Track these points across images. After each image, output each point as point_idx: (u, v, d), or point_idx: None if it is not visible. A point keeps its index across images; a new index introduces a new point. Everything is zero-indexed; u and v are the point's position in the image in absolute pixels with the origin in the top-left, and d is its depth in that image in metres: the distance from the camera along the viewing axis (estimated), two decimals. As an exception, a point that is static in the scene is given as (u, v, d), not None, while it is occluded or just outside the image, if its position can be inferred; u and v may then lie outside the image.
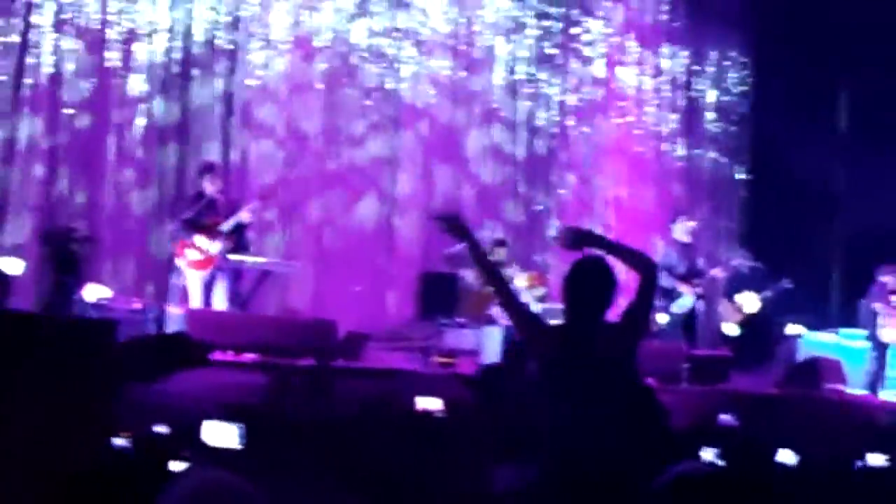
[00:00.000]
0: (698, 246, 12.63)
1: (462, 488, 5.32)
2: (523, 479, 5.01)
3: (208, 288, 10.82)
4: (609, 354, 4.81)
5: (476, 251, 5.13)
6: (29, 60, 12.15)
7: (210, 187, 10.89)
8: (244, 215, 10.82)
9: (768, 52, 15.51)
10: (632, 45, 15.71)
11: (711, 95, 16.14)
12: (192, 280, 10.77)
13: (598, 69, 15.46)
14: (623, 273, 5.13)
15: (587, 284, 4.92)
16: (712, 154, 16.06)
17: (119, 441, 5.59)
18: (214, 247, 10.70)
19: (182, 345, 8.27)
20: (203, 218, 10.74)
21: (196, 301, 10.71)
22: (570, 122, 15.26)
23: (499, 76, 14.89)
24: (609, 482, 4.61)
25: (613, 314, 4.98)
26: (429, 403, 6.49)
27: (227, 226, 10.74)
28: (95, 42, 12.46)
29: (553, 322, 5.20)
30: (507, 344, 9.87)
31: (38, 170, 12.12)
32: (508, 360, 8.78)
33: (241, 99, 13.25)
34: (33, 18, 12.09)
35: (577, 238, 5.07)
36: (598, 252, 5.07)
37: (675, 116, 15.93)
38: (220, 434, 5.47)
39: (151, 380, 7.11)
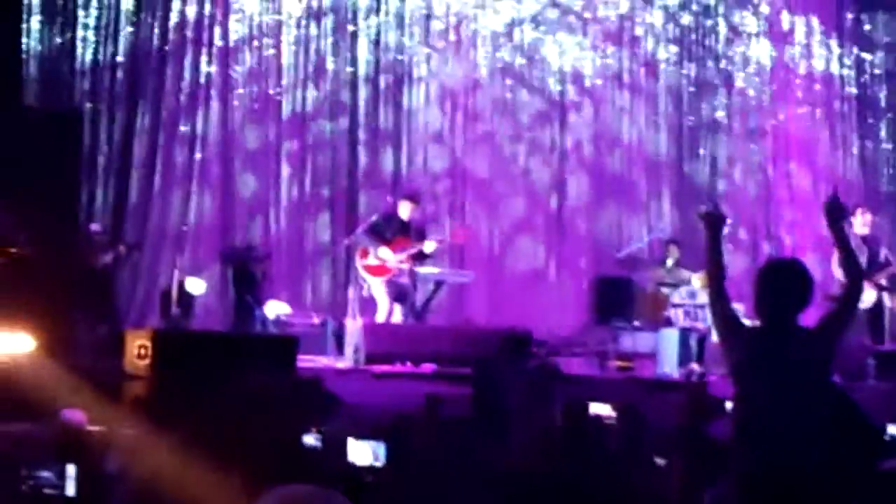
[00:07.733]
0: (880, 238, 12.17)
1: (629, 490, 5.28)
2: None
3: (398, 299, 10.90)
4: (802, 359, 4.66)
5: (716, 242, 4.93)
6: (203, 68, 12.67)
7: (406, 214, 11.01)
8: (429, 247, 10.91)
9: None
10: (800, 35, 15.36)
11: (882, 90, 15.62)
12: (376, 288, 10.91)
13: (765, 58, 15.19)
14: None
15: (781, 286, 4.78)
16: (888, 145, 15.56)
17: (309, 439, 5.81)
18: (393, 259, 10.80)
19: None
20: (391, 234, 10.89)
21: (383, 308, 10.84)
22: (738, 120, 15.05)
23: (664, 78, 14.80)
24: (802, 487, 4.50)
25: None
26: (601, 409, 6.48)
27: (411, 249, 10.83)
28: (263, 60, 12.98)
29: (748, 323, 5.07)
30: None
31: (217, 192, 12.56)
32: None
33: (411, 114, 13.59)
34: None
35: (836, 208, 4.88)
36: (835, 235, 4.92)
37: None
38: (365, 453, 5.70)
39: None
